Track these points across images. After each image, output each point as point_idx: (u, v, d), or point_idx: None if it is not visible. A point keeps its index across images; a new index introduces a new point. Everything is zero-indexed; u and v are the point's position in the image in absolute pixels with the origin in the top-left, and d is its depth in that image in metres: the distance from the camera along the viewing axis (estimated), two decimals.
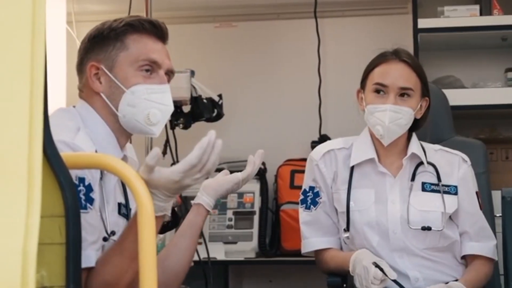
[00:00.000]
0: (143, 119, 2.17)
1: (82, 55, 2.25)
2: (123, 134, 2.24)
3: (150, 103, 2.17)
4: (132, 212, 2.25)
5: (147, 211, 1.62)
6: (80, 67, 2.25)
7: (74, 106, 2.25)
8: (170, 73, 2.26)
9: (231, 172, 4.42)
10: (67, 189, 1.54)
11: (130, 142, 2.65)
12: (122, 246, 1.96)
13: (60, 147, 1.92)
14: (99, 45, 2.21)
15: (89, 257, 1.96)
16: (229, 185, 2.47)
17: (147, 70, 2.19)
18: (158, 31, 2.25)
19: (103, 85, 2.19)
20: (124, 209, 2.23)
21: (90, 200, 2.00)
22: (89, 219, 1.97)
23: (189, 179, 1.86)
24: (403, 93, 2.81)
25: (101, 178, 2.09)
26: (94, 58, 2.21)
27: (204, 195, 2.42)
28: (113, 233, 2.12)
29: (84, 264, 1.83)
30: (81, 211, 1.92)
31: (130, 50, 2.19)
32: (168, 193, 1.89)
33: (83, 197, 1.97)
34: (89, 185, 1.99)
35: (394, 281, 2.66)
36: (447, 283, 2.78)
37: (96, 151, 2.10)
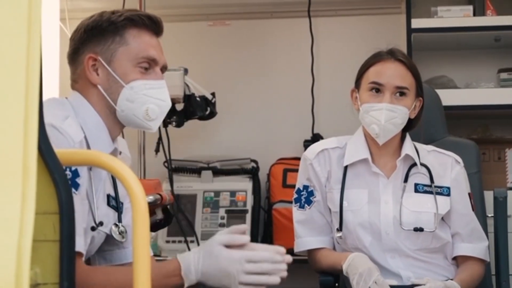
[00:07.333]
0: (142, 115, 2.17)
1: (78, 45, 2.23)
2: (116, 127, 2.24)
3: (148, 98, 2.17)
4: (124, 207, 2.24)
5: (141, 208, 1.62)
6: (74, 57, 2.24)
7: (66, 98, 2.24)
8: (163, 69, 2.27)
9: (224, 170, 4.43)
10: (61, 186, 1.53)
11: (123, 137, 2.65)
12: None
13: (47, 130, 1.92)
14: (97, 37, 2.20)
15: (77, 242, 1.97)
16: None
17: (144, 67, 2.19)
18: (156, 27, 2.25)
19: (101, 77, 2.18)
20: (113, 201, 2.23)
21: (76, 185, 1.99)
22: None
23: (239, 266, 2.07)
24: (399, 92, 2.80)
25: (90, 169, 2.09)
26: (91, 49, 2.19)
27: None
28: (101, 223, 2.12)
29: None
30: None
31: (130, 46, 2.19)
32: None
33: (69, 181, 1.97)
34: (76, 170, 1.99)
35: None
36: None
37: (85, 137, 2.10)
